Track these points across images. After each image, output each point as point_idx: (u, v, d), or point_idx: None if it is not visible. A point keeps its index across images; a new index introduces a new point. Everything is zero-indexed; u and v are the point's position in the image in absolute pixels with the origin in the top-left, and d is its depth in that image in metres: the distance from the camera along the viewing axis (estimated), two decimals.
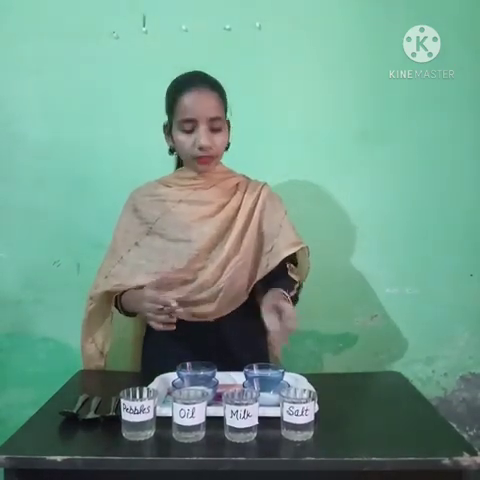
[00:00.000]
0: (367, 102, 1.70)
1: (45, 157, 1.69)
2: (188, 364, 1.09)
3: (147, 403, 0.90)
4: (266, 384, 1.04)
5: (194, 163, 1.26)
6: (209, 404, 0.94)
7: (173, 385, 1.05)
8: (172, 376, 1.10)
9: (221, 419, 0.90)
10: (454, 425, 1.18)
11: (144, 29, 1.66)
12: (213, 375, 1.07)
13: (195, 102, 1.21)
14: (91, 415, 0.98)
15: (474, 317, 1.76)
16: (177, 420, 0.89)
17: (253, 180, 1.38)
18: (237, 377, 1.13)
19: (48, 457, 0.85)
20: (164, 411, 0.95)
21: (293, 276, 1.28)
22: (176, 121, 1.24)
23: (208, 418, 0.91)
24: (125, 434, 0.91)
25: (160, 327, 1.10)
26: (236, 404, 0.88)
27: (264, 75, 1.66)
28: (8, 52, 1.67)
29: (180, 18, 1.65)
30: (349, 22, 1.68)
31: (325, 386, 1.07)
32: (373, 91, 1.70)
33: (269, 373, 1.07)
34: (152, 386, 1.01)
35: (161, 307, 1.09)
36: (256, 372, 1.07)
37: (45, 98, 1.69)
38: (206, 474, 0.93)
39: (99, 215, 1.63)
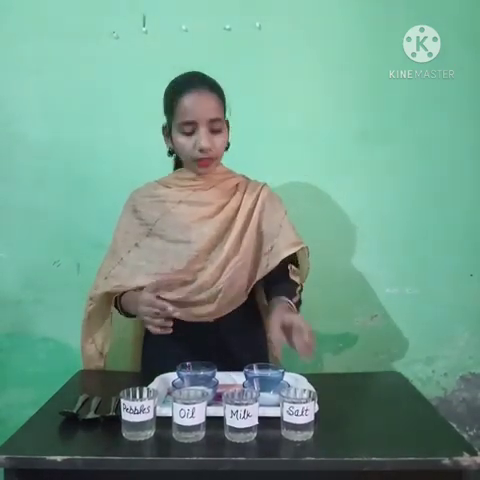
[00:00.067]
0: (367, 102, 1.70)
1: (45, 157, 1.69)
2: (188, 364, 1.09)
3: (147, 403, 0.90)
4: (266, 384, 1.04)
5: (194, 165, 1.26)
6: (209, 404, 0.94)
7: (173, 385, 1.05)
8: (172, 376, 1.10)
9: (221, 419, 0.91)
10: (454, 425, 1.18)
11: (144, 29, 1.66)
12: (213, 375, 1.07)
13: (195, 104, 1.20)
14: (91, 415, 0.98)
15: (474, 317, 1.76)
16: (177, 420, 0.89)
17: (253, 180, 1.37)
18: (237, 377, 1.13)
19: (48, 457, 0.85)
20: (164, 411, 0.95)
21: (295, 279, 1.27)
22: (176, 123, 1.23)
23: (208, 418, 0.91)
24: (125, 434, 0.91)
25: (157, 331, 1.10)
26: (236, 404, 0.88)
27: (264, 75, 1.66)
28: (8, 52, 1.67)
29: (180, 18, 1.65)
30: (349, 22, 1.68)
31: (325, 386, 1.07)
32: (373, 91, 1.70)
33: (269, 373, 1.07)
34: (152, 386, 1.01)
35: (158, 311, 1.09)
36: (256, 372, 1.07)
37: (45, 98, 1.69)
38: (206, 474, 0.93)
39: (99, 215, 1.63)
